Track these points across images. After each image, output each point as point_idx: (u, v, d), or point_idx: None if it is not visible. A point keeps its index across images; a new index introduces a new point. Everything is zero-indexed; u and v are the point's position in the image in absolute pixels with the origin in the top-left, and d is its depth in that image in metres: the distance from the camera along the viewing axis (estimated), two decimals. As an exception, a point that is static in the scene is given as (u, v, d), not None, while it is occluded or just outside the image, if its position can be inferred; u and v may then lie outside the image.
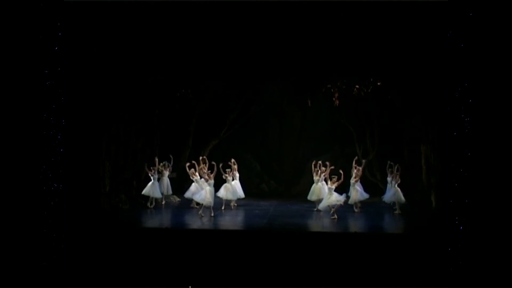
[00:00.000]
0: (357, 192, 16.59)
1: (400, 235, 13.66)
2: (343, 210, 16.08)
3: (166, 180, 17.57)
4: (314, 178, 16.72)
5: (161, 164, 17.56)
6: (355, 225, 15.18)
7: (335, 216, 15.34)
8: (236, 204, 17.05)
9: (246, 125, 20.09)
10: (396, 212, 16.32)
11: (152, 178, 17.03)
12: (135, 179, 18.21)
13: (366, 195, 16.80)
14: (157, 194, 17.12)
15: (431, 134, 16.26)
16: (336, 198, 15.48)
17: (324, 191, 16.32)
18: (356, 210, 16.51)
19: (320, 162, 16.97)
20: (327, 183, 16.08)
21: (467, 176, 11.41)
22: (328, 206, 15.73)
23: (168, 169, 17.64)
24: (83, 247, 12.48)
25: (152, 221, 15.41)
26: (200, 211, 15.67)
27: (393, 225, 15.17)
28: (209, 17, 14.87)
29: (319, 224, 15.03)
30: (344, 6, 14.15)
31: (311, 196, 16.91)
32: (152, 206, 17.04)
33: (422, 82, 15.42)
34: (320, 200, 16.33)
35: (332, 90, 18.25)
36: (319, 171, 16.73)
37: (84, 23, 13.73)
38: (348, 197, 16.22)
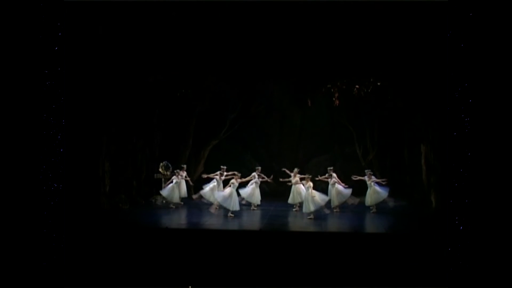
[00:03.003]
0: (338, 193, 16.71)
1: (400, 235, 13.64)
2: (344, 210, 16.10)
3: (183, 184, 17.64)
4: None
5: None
6: (355, 225, 15.19)
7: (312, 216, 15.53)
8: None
9: (246, 125, 20.07)
10: (372, 211, 16.54)
11: (173, 181, 17.19)
12: (135, 179, 18.22)
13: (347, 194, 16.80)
14: (176, 199, 17.28)
15: (431, 134, 16.27)
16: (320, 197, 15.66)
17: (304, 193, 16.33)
18: (336, 211, 16.67)
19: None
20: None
21: (467, 176, 11.41)
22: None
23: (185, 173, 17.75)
24: (83, 247, 12.48)
25: (152, 221, 15.41)
26: (230, 213, 15.77)
27: (394, 225, 15.16)
28: (209, 17, 14.90)
29: (320, 224, 15.02)
30: (344, 6, 14.16)
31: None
32: (174, 207, 17.29)
33: (422, 82, 15.43)
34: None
35: (332, 90, 18.25)
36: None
37: (84, 23, 13.74)
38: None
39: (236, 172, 16.47)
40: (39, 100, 11.68)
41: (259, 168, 17.58)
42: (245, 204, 17.19)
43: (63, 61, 11.87)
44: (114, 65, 15.47)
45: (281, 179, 17.48)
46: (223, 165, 17.32)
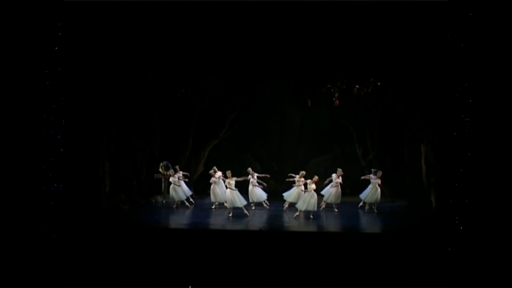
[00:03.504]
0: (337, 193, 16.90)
1: (400, 235, 13.65)
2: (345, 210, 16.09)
3: (183, 183, 17.66)
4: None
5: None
6: (355, 225, 15.19)
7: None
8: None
9: (246, 125, 20.06)
10: (375, 211, 16.74)
11: (173, 182, 17.32)
12: (135, 179, 18.21)
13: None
14: (178, 197, 17.42)
15: (431, 134, 16.28)
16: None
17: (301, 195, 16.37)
18: (336, 210, 16.85)
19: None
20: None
21: (467, 176, 11.41)
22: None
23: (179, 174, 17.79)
24: (83, 247, 12.47)
25: (152, 221, 15.41)
26: (230, 214, 15.96)
27: (394, 225, 15.16)
28: (209, 17, 14.90)
29: (319, 224, 15.03)
30: (344, 6, 14.16)
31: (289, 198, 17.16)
32: (175, 207, 17.44)
33: (422, 82, 15.43)
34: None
35: (332, 90, 18.25)
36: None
37: (84, 23, 13.73)
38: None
39: (226, 173, 16.53)
40: (39, 100, 11.68)
41: (249, 169, 17.52)
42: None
43: (63, 61, 11.88)
44: (114, 65, 15.47)
45: (287, 180, 17.45)
46: (215, 166, 17.43)
